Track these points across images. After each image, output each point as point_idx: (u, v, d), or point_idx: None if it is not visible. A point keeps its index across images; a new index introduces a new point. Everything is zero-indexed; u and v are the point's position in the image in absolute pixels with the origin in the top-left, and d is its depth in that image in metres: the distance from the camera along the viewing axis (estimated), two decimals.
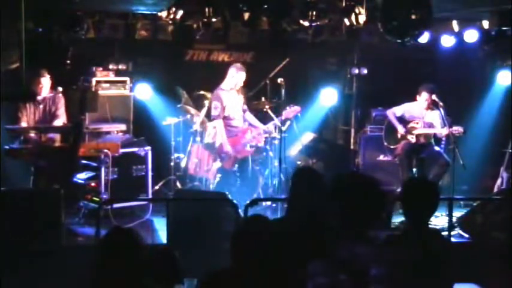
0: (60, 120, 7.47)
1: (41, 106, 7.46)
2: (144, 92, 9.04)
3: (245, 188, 7.85)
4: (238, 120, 8.00)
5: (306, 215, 3.86)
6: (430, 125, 8.18)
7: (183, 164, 8.52)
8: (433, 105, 8.14)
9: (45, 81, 7.43)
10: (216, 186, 7.81)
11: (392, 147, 8.43)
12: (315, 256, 3.47)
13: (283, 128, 8.19)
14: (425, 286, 3.23)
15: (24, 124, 7.34)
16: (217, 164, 7.95)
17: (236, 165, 7.90)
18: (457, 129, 7.79)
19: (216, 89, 7.89)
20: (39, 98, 7.39)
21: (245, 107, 8.13)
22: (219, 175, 7.89)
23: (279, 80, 7.95)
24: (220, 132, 7.82)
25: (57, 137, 7.40)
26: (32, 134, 7.11)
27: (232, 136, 7.89)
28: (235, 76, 7.86)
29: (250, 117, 8.18)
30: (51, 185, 6.82)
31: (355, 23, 8.03)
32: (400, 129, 8.24)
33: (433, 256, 3.40)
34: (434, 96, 7.98)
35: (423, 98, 8.10)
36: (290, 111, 7.93)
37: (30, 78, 7.12)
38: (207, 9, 8.04)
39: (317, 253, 3.53)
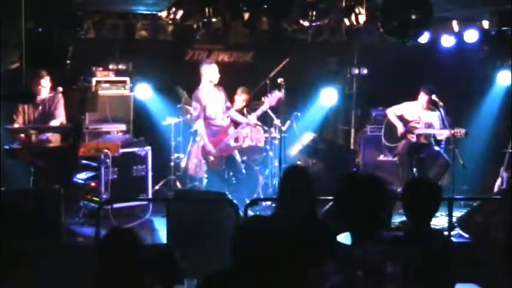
0: (58, 121, 7.46)
1: (40, 107, 7.46)
2: (144, 92, 9.04)
3: (245, 188, 7.86)
4: (220, 119, 7.91)
5: (294, 215, 3.87)
6: (430, 125, 8.19)
7: (183, 164, 8.53)
8: (432, 106, 8.15)
9: (45, 82, 7.43)
10: (206, 188, 7.82)
11: (391, 145, 8.44)
12: (307, 255, 3.49)
13: (283, 128, 8.19)
14: (427, 286, 3.23)
15: (17, 125, 7.33)
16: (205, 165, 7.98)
17: (223, 165, 7.86)
18: (459, 131, 7.79)
19: (196, 90, 7.83)
20: (38, 98, 7.39)
21: (228, 104, 8.04)
22: (205, 176, 7.92)
23: (279, 80, 7.95)
24: (201, 133, 7.78)
25: (55, 137, 7.39)
26: (22, 135, 7.10)
27: (214, 135, 7.84)
28: (207, 71, 7.79)
29: (234, 114, 8.13)
30: (51, 185, 6.82)
31: (355, 23, 8.02)
32: (400, 128, 8.25)
33: (434, 256, 3.40)
34: (434, 97, 7.99)
35: (421, 99, 8.15)
36: (272, 98, 7.80)
37: (30, 79, 7.13)
38: (207, 9, 8.04)
39: (310, 252, 3.55)
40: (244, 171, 7.95)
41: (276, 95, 7.80)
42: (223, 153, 7.83)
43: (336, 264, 2.63)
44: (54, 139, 7.38)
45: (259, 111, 7.92)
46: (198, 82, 8.63)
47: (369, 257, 2.61)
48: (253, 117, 7.95)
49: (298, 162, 8.92)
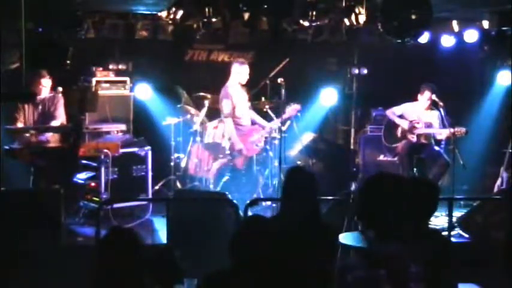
0: (58, 121, 7.46)
1: (40, 107, 7.46)
2: (144, 92, 9.04)
3: (245, 188, 7.85)
4: (246, 119, 8.10)
5: (298, 215, 3.87)
6: (429, 125, 8.19)
7: (183, 164, 8.52)
8: (432, 106, 8.15)
9: (46, 82, 7.43)
10: (222, 187, 7.79)
11: (391, 146, 8.43)
12: (308, 256, 3.49)
13: (283, 128, 8.19)
14: (427, 286, 3.23)
15: (20, 125, 7.34)
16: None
17: (247, 164, 7.95)
18: (460, 129, 7.79)
19: (224, 87, 7.96)
20: (38, 98, 7.39)
21: (249, 104, 8.22)
22: (228, 174, 7.87)
23: (279, 80, 7.95)
24: (230, 131, 7.86)
25: (54, 137, 7.39)
26: (27, 134, 7.11)
27: (240, 135, 7.95)
28: (239, 71, 7.95)
29: (253, 115, 8.27)
30: (51, 185, 6.82)
31: (355, 23, 8.02)
32: (404, 124, 8.23)
33: (435, 256, 3.40)
34: (434, 96, 7.99)
35: (426, 96, 8.10)
36: (291, 109, 8.05)
37: (30, 79, 7.13)
38: (207, 9, 8.04)
39: (311, 252, 3.55)
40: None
41: (295, 107, 8.08)
42: (250, 153, 7.89)
43: (360, 260, 2.65)
44: (54, 139, 7.38)
45: (277, 122, 8.06)
46: (197, 82, 8.67)
47: (393, 255, 2.62)
48: (275, 124, 8.04)
49: (298, 162, 8.92)
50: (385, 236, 2.72)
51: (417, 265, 2.64)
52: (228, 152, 7.89)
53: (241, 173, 7.96)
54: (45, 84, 7.43)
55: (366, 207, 2.78)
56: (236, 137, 7.86)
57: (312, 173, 4.25)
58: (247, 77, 8.02)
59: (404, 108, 8.34)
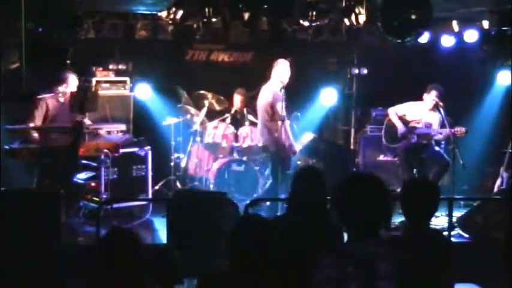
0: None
1: (62, 101, 7.49)
2: (144, 92, 9.04)
3: (245, 188, 7.86)
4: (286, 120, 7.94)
5: (306, 214, 3.86)
6: (429, 126, 8.18)
7: (183, 164, 8.53)
8: (435, 107, 8.12)
9: (73, 78, 7.48)
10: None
11: (391, 146, 8.43)
12: (317, 255, 3.48)
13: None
14: (425, 286, 3.23)
15: (38, 122, 7.36)
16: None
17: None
18: (460, 129, 7.79)
19: (271, 90, 7.51)
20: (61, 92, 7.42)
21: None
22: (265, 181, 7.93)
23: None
24: (288, 133, 7.66)
25: (61, 136, 7.41)
26: (36, 134, 7.12)
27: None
28: (280, 70, 7.56)
29: None
30: (55, 185, 6.82)
31: (355, 23, 8.03)
32: (401, 129, 8.23)
33: (433, 256, 3.40)
34: (436, 97, 7.97)
35: (431, 97, 8.03)
36: (305, 138, 8.38)
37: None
38: (207, 9, 8.04)
39: (320, 252, 3.54)
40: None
41: (309, 136, 8.42)
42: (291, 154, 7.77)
43: (330, 258, 2.66)
44: (61, 138, 7.39)
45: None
46: (197, 82, 8.66)
47: (362, 253, 2.63)
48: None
49: (298, 162, 8.93)
50: (357, 234, 2.73)
51: (389, 264, 2.64)
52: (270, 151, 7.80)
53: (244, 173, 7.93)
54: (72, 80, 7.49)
55: (338, 205, 2.79)
56: (293, 140, 7.73)
57: (322, 172, 4.22)
58: (289, 75, 7.59)
59: (407, 107, 8.32)
